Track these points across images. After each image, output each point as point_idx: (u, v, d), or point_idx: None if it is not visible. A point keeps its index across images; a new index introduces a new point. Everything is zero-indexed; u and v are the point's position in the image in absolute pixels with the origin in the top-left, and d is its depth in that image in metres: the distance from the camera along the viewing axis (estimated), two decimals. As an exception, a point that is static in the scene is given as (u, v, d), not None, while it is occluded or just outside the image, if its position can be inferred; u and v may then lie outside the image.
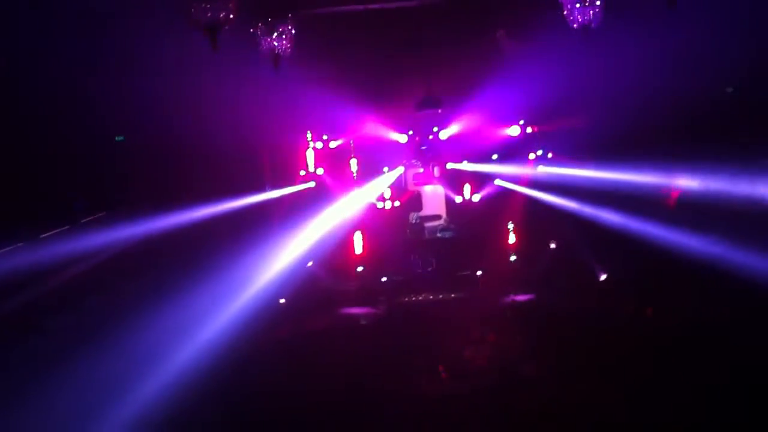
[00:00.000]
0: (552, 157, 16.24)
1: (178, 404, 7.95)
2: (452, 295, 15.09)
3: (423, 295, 15.31)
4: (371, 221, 16.82)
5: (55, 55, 8.42)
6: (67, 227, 10.46)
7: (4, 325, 8.59)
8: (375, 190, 17.13)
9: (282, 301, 13.95)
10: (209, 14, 8.14)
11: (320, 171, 16.79)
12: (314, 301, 14.47)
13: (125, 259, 11.08)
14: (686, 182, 12.78)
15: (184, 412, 7.83)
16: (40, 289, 9.43)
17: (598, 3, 8.31)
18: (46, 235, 10.04)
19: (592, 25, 8.40)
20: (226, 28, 7.63)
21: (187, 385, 8.44)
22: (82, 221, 10.82)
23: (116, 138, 11.94)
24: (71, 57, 8.50)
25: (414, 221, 17.12)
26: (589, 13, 8.41)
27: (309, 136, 16.55)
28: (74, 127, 9.93)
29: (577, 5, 8.40)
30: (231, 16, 7.94)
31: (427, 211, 17.53)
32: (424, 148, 17.19)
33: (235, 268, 12.37)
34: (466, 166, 17.12)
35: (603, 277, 14.41)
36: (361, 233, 16.46)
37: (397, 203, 17.34)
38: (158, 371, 8.79)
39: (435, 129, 16.81)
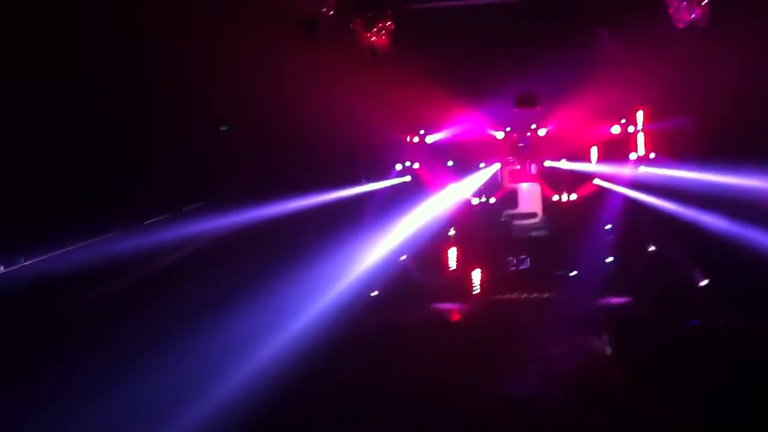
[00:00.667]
0: (654, 157, 15.75)
1: (265, 394, 8.11)
2: (544, 295, 14.90)
3: (515, 294, 15.17)
4: (466, 217, 16.78)
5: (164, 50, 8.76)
6: (167, 215, 10.81)
7: (98, 310, 8.94)
8: (471, 186, 17.05)
9: (374, 293, 14.10)
10: (310, 7, 8.35)
11: (416, 165, 16.89)
12: (405, 295, 14.58)
13: (222, 249, 11.39)
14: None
15: (271, 400, 7.99)
16: (135, 275, 9.79)
17: (705, 2, 8.04)
18: (148, 222, 10.41)
19: (699, 23, 8.14)
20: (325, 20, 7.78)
21: (275, 376, 8.61)
22: (183, 209, 11.17)
23: (221, 128, 12.33)
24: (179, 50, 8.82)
25: (503, 219, 16.96)
26: (697, 11, 8.15)
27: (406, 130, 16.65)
28: (180, 116, 10.31)
29: (684, 3, 8.15)
30: (331, 12, 8.11)
31: (522, 208, 17.30)
32: (521, 145, 16.97)
33: (329, 259, 12.55)
34: (564, 164, 16.80)
35: (703, 282, 13.87)
36: (455, 229, 16.45)
37: (492, 200, 17.20)
38: (248, 361, 8.99)
39: (533, 126, 16.59)
